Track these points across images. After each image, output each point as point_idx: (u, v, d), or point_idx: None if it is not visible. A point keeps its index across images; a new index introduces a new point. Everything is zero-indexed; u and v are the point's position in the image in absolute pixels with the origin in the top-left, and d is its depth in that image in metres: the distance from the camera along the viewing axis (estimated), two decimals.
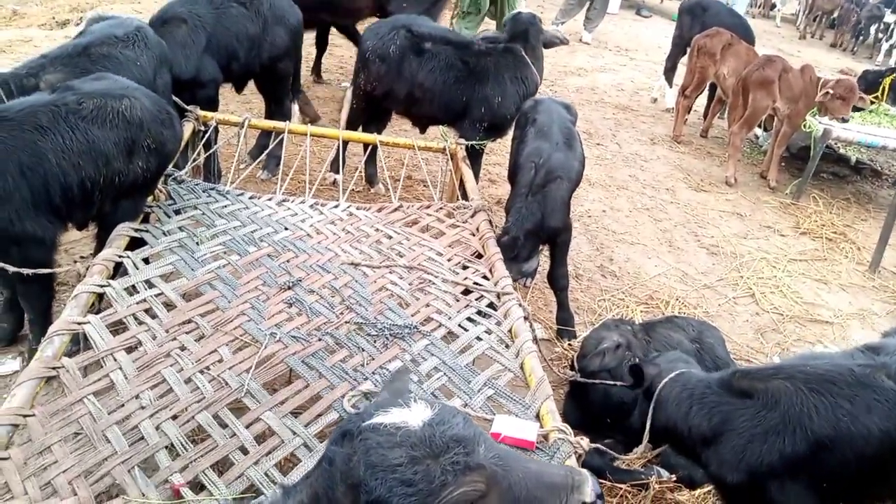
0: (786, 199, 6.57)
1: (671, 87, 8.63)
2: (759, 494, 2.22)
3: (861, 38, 15.46)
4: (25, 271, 2.73)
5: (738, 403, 2.28)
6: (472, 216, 3.78)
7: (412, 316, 2.91)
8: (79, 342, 2.53)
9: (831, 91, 6.16)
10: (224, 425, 2.25)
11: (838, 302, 4.98)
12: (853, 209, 6.63)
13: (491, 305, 3.09)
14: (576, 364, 3.38)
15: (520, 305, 3.06)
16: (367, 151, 4.97)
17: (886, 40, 14.41)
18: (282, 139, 4.47)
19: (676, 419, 2.37)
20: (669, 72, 8.63)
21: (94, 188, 2.93)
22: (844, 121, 6.26)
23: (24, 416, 2.09)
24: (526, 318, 2.99)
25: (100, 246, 3.19)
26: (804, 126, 6.42)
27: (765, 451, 2.17)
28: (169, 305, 2.74)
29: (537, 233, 3.66)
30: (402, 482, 1.19)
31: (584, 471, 1.44)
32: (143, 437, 2.15)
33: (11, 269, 2.70)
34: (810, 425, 2.15)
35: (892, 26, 14.25)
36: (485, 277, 3.29)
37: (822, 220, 6.20)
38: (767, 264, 5.32)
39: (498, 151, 6.12)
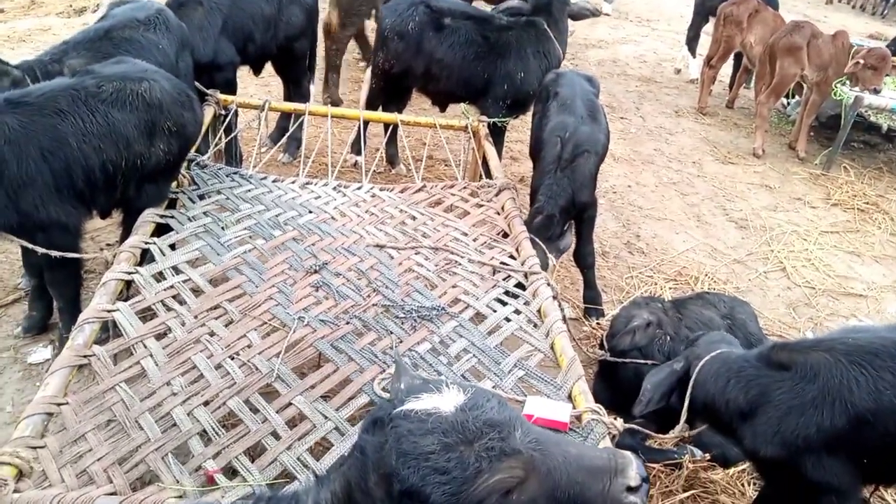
0: (815, 169, 6.41)
1: (694, 56, 8.45)
2: (794, 469, 2.16)
3: (891, 1, 14.96)
4: (54, 253, 2.73)
5: (775, 376, 2.23)
6: (497, 195, 3.73)
7: (439, 297, 2.88)
8: (108, 330, 2.54)
9: (862, 61, 5.96)
10: (255, 410, 2.25)
11: (872, 274, 4.86)
12: (885, 178, 6.45)
13: (519, 285, 3.05)
14: (605, 343, 3.33)
15: (548, 285, 3.01)
16: (388, 131, 4.91)
17: None
18: (302, 121, 4.44)
19: (714, 394, 2.33)
20: (692, 41, 8.44)
21: (117, 171, 2.92)
22: (876, 91, 6.06)
23: (58, 404, 2.10)
24: (555, 298, 2.95)
25: (126, 232, 3.19)
26: (834, 94, 6.22)
27: (801, 424, 2.11)
28: (197, 291, 2.74)
29: (569, 209, 3.60)
30: (435, 470, 1.16)
31: (628, 453, 1.39)
32: (175, 424, 2.15)
33: (41, 249, 2.71)
34: (850, 398, 2.08)
35: None
36: (511, 257, 3.24)
37: (853, 190, 6.05)
38: (798, 237, 5.20)
39: (519, 128, 6.03)
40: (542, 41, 4.45)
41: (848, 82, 6.22)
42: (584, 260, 3.92)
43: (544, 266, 3.44)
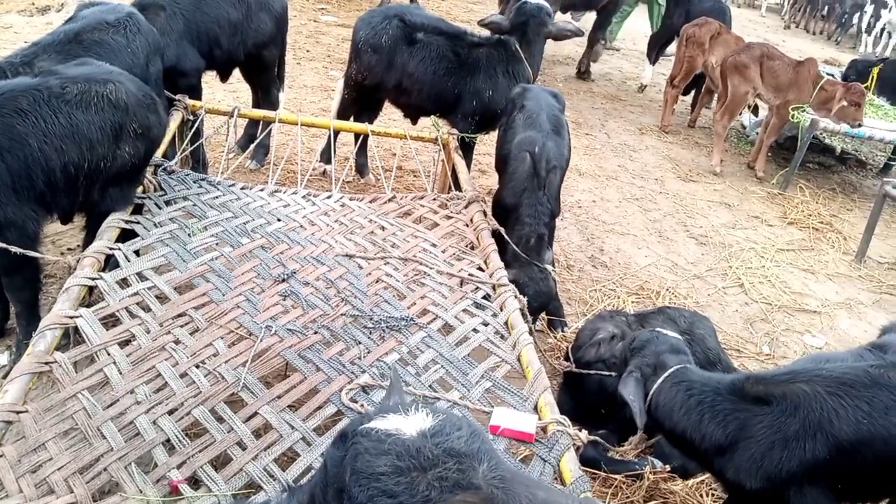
0: (773, 189, 6.62)
1: (652, 64, 8.82)
2: (777, 500, 2.21)
3: (844, 27, 15.59)
4: (14, 249, 2.64)
5: (754, 410, 2.24)
6: (466, 207, 3.77)
7: (408, 308, 2.90)
8: (69, 336, 2.49)
9: (846, 102, 6.12)
10: (221, 420, 2.23)
11: (825, 291, 5.03)
12: (839, 199, 6.70)
13: (486, 297, 3.09)
14: (570, 355, 3.39)
15: (515, 297, 3.06)
16: (359, 141, 4.92)
17: (867, 31, 14.53)
18: (271, 129, 4.42)
19: (687, 428, 2.32)
20: (650, 52, 8.82)
21: (79, 173, 2.87)
22: (860, 126, 6.21)
23: (17, 412, 2.05)
24: (521, 310, 2.99)
25: (89, 237, 3.13)
26: (792, 118, 6.44)
27: (785, 457, 2.15)
28: (162, 298, 2.70)
29: (550, 224, 3.66)
30: (383, 492, 1.12)
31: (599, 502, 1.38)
32: (139, 433, 2.12)
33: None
34: (831, 430, 2.13)
35: (872, 16, 14.34)
36: (479, 269, 3.28)
37: (808, 210, 6.26)
38: (756, 254, 5.36)
39: (488, 142, 6.08)
40: (512, 61, 4.48)
41: (809, 109, 6.39)
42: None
43: (554, 286, 3.61)
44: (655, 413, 2.43)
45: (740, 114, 7.89)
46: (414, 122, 4.93)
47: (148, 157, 3.27)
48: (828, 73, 7.27)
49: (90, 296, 2.76)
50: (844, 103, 6.10)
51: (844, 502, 2.32)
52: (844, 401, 2.17)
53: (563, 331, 3.94)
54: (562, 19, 6.40)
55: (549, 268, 3.53)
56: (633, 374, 2.55)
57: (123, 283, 2.73)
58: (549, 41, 4.76)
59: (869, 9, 14.38)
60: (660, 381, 2.44)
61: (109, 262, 2.90)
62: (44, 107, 2.74)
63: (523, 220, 3.58)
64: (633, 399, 2.49)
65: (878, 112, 7.07)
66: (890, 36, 14.49)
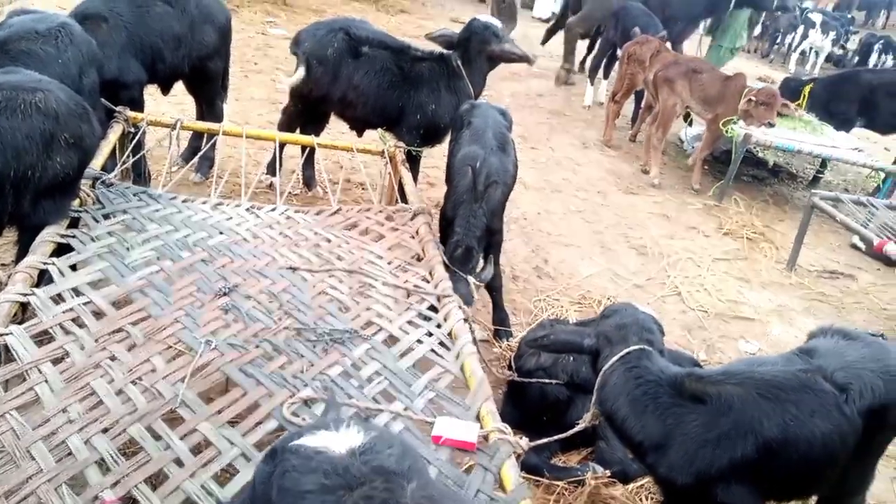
0: (709, 200, 6.86)
1: (592, 84, 9.09)
2: (704, 495, 2.28)
3: (777, 46, 16.31)
4: None
5: (690, 407, 2.29)
6: (412, 219, 3.80)
7: (353, 320, 2.90)
8: None
9: (754, 98, 6.38)
10: (158, 437, 2.19)
11: (759, 299, 5.24)
12: (771, 210, 6.99)
13: (432, 308, 3.12)
14: (513, 364, 3.45)
15: (459, 307, 3.09)
16: (305, 154, 4.91)
17: (794, 50, 15.26)
18: (215, 141, 4.37)
19: (628, 415, 2.34)
20: (592, 71, 9.09)
21: (4, 182, 2.77)
22: (771, 125, 6.45)
23: None
24: (466, 320, 3.03)
25: (22, 251, 3.03)
26: (726, 132, 6.71)
27: (716, 455, 2.21)
28: (98, 314, 2.64)
29: (484, 238, 3.68)
30: None
31: None
32: (71, 453, 2.06)
33: None
34: (761, 430, 2.21)
35: (802, 37, 15.07)
36: (425, 280, 3.31)
37: (742, 220, 6.51)
38: (693, 264, 5.54)
39: (435, 154, 6.14)
40: (453, 77, 4.53)
41: (741, 121, 6.66)
42: (491, 282, 4.03)
43: (470, 299, 3.50)
44: (602, 391, 2.42)
45: (685, 126, 8.19)
46: (360, 134, 4.95)
47: (82, 169, 3.19)
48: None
49: (23, 313, 2.67)
50: (753, 100, 6.34)
51: (769, 500, 2.42)
52: (774, 403, 2.25)
53: (507, 341, 4.00)
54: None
55: (470, 279, 3.51)
56: (587, 340, 2.52)
57: (58, 298, 2.65)
58: None
59: (800, 29, 15.11)
60: (614, 358, 2.40)
61: (44, 278, 2.82)
62: None
63: (455, 231, 3.62)
64: (556, 332, 2.61)
65: (808, 127, 7.42)
66: (817, 55, 15.24)
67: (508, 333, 4.06)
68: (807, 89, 7.98)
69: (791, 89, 8.06)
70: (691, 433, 2.25)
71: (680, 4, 8.97)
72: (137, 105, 4.29)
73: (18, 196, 2.86)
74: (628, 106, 8.44)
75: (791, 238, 6.07)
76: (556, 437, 2.71)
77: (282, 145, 4.58)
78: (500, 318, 4.08)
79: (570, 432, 2.65)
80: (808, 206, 5.70)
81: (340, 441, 1.17)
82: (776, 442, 2.22)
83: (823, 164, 7.74)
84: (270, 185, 5.03)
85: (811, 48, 15.34)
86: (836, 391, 2.31)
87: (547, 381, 3.17)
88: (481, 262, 3.82)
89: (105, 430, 2.16)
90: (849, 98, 7.82)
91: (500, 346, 3.97)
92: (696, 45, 10.24)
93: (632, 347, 2.42)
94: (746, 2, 9.00)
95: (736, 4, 8.88)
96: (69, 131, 2.96)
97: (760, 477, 2.25)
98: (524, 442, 2.42)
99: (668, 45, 7.98)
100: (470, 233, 3.60)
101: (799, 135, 7.07)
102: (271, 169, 4.94)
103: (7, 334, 2.38)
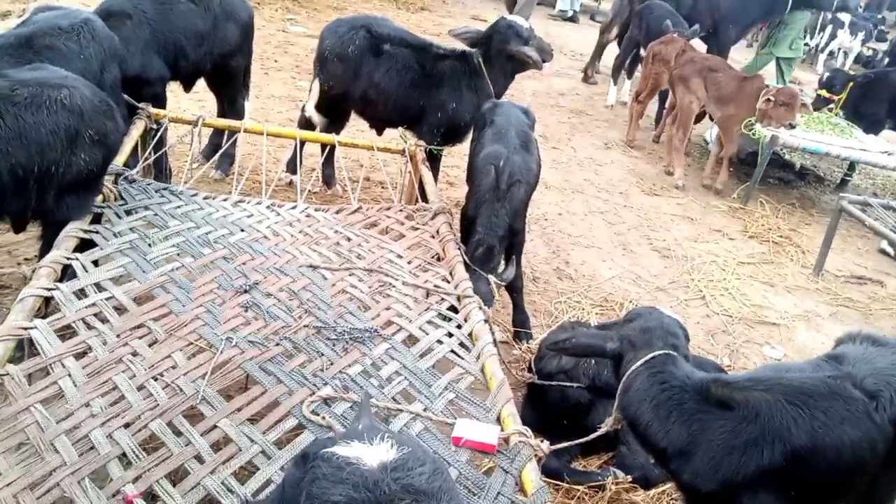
0: (734, 203, 6.76)
1: (615, 83, 8.96)
2: (730, 503, 2.23)
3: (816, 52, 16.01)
4: None
5: (716, 413, 2.24)
6: (432, 219, 3.78)
7: (372, 319, 2.89)
8: (23, 348, 2.43)
9: (773, 98, 6.24)
10: (179, 433, 2.19)
11: (784, 304, 5.15)
12: (798, 213, 6.87)
13: (452, 308, 3.10)
14: (533, 366, 3.41)
15: (480, 308, 3.07)
16: (325, 152, 4.91)
17: (822, 50, 15.00)
18: (236, 138, 4.39)
19: (652, 420, 2.29)
20: (615, 71, 8.94)
21: (28, 177, 2.80)
22: (792, 126, 6.30)
23: None
24: (486, 321, 3.00)
25: (45, 247, 3.06)
26: (752, 134, 6.60)
27: (742, 463, 2.17)
28: (120, 310, 2.66)
29: (506, 238, 3.65)
30: None
31: None
32: (93, 447, 2.07)
33: None
34: (789, 438, 2.16)
35: (828, 37, 14.81)
36: (445, 280, 3.29)
37: (768, 224, 6.40)
38: (717, 267, 5.46)
39: (455, 154, 6.13)
40: (474, 75, 4.49)
41: (758, 123, 6.50)
42: (513, 283, 3.99)
43: (490, 299, 3.48)
44: (625, 396, 2.38)
45: (710, 127, 8.07)
46: (379, 133, 4.94)
47: (105, 165, 3.21)
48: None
49: (46, 307, 2.69)
50: (772, 100, 6.19)
51: None
52: (803, 410, 2.20)
53: (527, 343, 3.96)
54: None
55: (491, 278, 3.47)
56: (610, 343, 2.47)
57: (81, 293, 2.67)
58: None
59: (828, 30, 14.85)
60: (638, 363, 2.36)
61: (67, 273, 2.84)
62: None
63: (476, 230, 3.59)
64: (578, 335, 2.55)
65: (836, 129, 7.29)
66: (846, 56, 14.98)
67: (528, 335, 4.02)
68: (851, 85, 7.80)
69: (840, 82, 7.85)
70: (717, 440, 2.20)
71: (731, 7, 8.50)
72: (160, 102, 4.32)
73: (42, 191, 2.88)
74: (652, 106, 8.35)
75: (817, 242, 5.96)
76: (577, 441, 2.67)
77: (302, 143, 4.59)
78: (520, 319, 4.05)
79: (592, 436, 2.60)
80: (836, 209, 5.59)
81: (373, 454, 1.15)
82: (804, 449, 2.17)
83: (852, 166, 7.59)
84: (290, 183, 5.04)
85: (839, 49, 15.07)
86: (866, 398, 2.26)
87: (568, 384, 3.13)
88: (502, 263, 3.80)
89: (127, 425, 2.16)
90: (878, 99, 7.66)
91: (520, 348, 3.94)
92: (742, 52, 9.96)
93: (656, 352, 2.37)
94: (805, 2, 8.54)
95: (794, 5, 8.43)
96: (94, 128, 2.98)
97: (788, 485, 2.20)
98: (545, 445, 2.39)
99: (716, 54, 7.82)
100: (492, 232, 3.57)
101: (827, 137, 6.94)
102: (291, 167, 4.95)
103: (32, 328, 2.40)
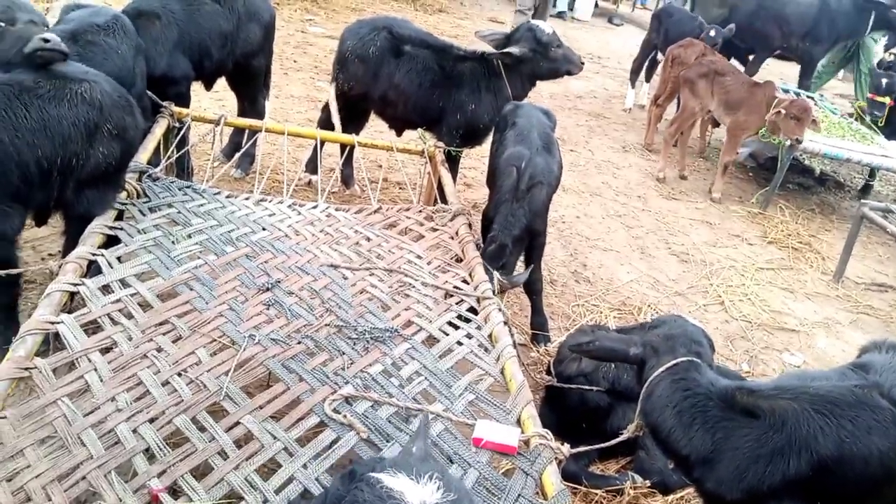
0: (753, 208, 6.71)
1: (633, 87, 8.92)
2: None
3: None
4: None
5: (742, 422, 2.22)
6: (452, 220, 3.79)
7: (392, 319, 2.90)
8: (48, 342, 2.46)
9: (784, 110, 5.98)
10: (203, 429, 2.21)
11: (804, 311, 5.10)
12: (818, 220, 6.81)
13: (471, 310, 3.10)
14: (552, 369, 3.41)
15: (499, 310, 3.07)
16: (345, 152, 4.93)
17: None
18: (257, 138, 4.42)
19: (675, 427, 2.27)
20: (633, 74, 8.90)
21: (52, 168, 2.85)
22: (798, 142, 6.04)
23: None
24: (506, 323, 3.00)
25: (69, 242, 3.10)
26: (773, 140, 6.54)
27: (768, 472, 2.15)
28: (144, 306, 2.68)
29: (522, 239, 3.65)
30: None
31: None
32: (119, 441, 2.10)
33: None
34: (816, 447, 2.14)
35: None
36: (464, 281, 3.29)
37: (788, 229, 6.35)
38: (736, 272, 5.43)
39: (473, 155, 6.13)
40: (493, 77, 4.49)
41: (768, 133, 6.39)
42: (531, 286, 4.00)
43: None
44: (647, 402, 2.36)
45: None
46: (399, 134, 4.95)
47: (125, 160, 3.25)
48: (793, 93, 7.37)
49: (71, 302, 2.72)
50: (783, 112, 5.96)
51: None
52: (829, 419, 2.18)
53: (545, 345, 3.96)
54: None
55: (497, 275, 3.43)
56: (633, 349, 2.46)
57: (106, 289, 2.70)
58: None
59: None
60: (661, 369, 2.34)
61: (92, 268, 2.87)
62: (14, 101, 2.73)
63: (493, 228, 3.60)
64: (601, 338, 2.51)
65: (857, 135, 7.22)
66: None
67: (546, 338, 4.02)
68: None
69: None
70: (742, 448, 2.18)
71: (804, 21, 8.08)
72: (184, 101, 4.36)
73: (64, 183, 2.92)
74: (671, 109, 8.30)
75: (837, 248, 5.91)
76: (599, 447, 2.66)
77: (322, 143, 4.61)
78: (538, 322, 4.05)
79: (613, 442, 2.60)
80: (857, 216, 5.54)
81: (417, 493, 1.14)
82: (831, 459, 2.14)
83: (872, 173, 7.51)
84: (309, 183, 5.06)
85: None
86: (894, 407, 2.23)
87: (587, 387, 3.12)
88: (519, 267, 3.79)
89: (152, 420, 2.19)
90: None
91: (538, 351, 3.93)
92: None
93: (680, 359, 2.35)
94: (885, 24, 8.10)
95: (873, 26, 8.04)
96: (113, 122, 3.02)
97: (814, 495, 2.18)
98: (566, 448, 2.39)
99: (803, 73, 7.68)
100: (506, 231, 3.57)
101: (848, 143, 6.88)
102: (311, 166, 4.97)
103: (58, 322, 2.43)
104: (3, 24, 3.02)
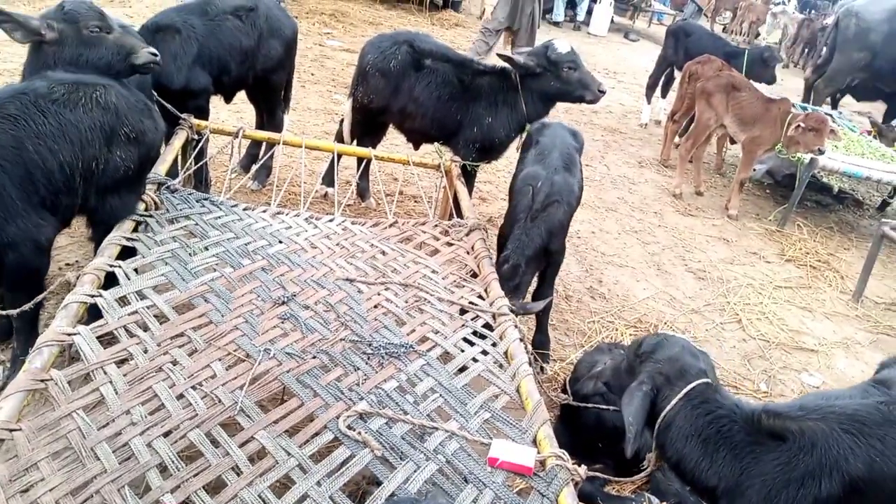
0: (771, 226, 6.65)
1: (648, 102, 8.88)
2: None
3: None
4: (11, 312, 2.72)
5: (770, 445, 2.16)
6: (467, 234, 3.76)
7: (408, 335, 2.88)
8: (64, 353, 2.46)
9: (802, 124, 6.04)
10: (217, 444, 2.19)
11: (823, 330, 5.03)
12: (836, 238, 6.73)
13: (486, 326, 3.07)
14: (568, 387, 3.37)
15: (515, 327, 3.04)
16: (362, 166, 4.94)
17: None
18: (274, 150, 4.43)
19: (700, 457, 2.20)
20: (649, 89, 8.87)
21: (74, 173, 2.87)
22: (821, 152, 6.09)
23: (11, 430, 2.02)
24: (521, 340, 2.97)
25: (97, 246, 3.11)
26: (791, 157, 6.48)
27: (800, 496, 2.10)
28: (161, 318, 2.68)
29: (537, 258, 3.61)
30: None
31: None
32: (133, 455, 2.08)
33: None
34: (847, 468, 2.09)
35: None
36: (480, 297, 3.27)
37: (806, 247, 6.29)
38: (753, 290, 5.37)
39: (489, 170, 6.14)
40: (510, 92, 4.46)
41: (784, 149, 6.34)
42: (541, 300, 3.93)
43: None
44: (665, 434, 2.26)
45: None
46: (416, 147, 4.96)
47: (144, 164, 3.26)
48: (810, 109, 7.31)
49: (88, 313, 2.73)
50: (801, 126, 5.99)
51: None
52: (859, 438, 2.13)
53: (541, 367, 3.81)
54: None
55: (506, 301, 3.33)
56: (644, 387, 2.31)
57: (123, 301, 2.70)
58: None
59: None
60: (678, 397, 2.25)
61: (109, 280, 2.88)
62: (31, 108, 2.75)
63: (506, 247, 3.57)
64: (630, 419, 2.24)
65: (876, 153, 7.15)
66: None
67: (546, 357, 3.94)
68: None
69: None
70: (772, 472, 2.12)
71: None
72: (203, 113, 4.39)
73: (87, 188, 2.94)
74: (688, 125, 8.27)
75: (856, 267, 5.83)
76: (623, 480, 2.60)
77: (338, 156, 4.62)
78: (540, 340, 3.95)
79: (636, 478, 2.56)
80: (877, 235, 5.46)
81: None
82: (863, 480, 2.09)
83: (893, 191, 7.42)
84: (325, 195, 5.07)
85: None
86: None
87: (604, 406, 3.08)
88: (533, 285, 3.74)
89: (166, 434, 2.17)
90: None
91: (535, 369, 3.84)
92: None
93: (695, 382, 2.27)
94: None
95: None
96: (130, 126, 3.04)
97: None
98: (582, 470, 2.35)
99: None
100: (519, 250, 3.53)
101: (867, 161, 6.81)
102: (327, 179, 4.98)
103: (75, 334, 2.43)
104: (102, 33, 3.20)
